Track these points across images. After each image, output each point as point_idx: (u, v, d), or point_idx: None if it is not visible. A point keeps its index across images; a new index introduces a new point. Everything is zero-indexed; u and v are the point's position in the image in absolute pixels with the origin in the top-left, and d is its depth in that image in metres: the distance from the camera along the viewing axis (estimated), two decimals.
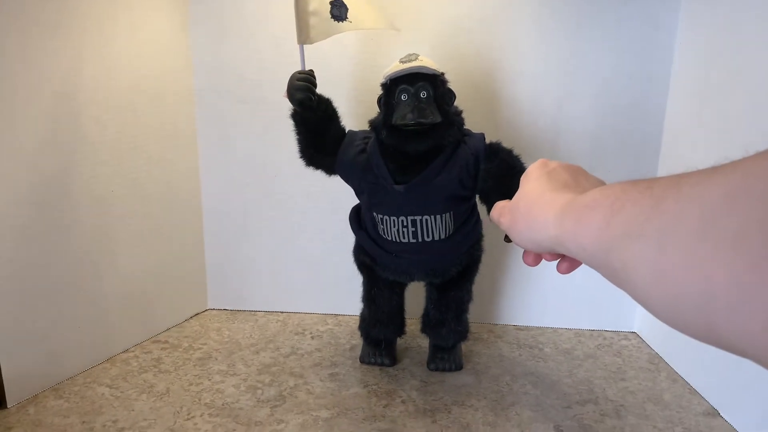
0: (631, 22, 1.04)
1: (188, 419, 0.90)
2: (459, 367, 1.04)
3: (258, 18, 1.08)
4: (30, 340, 0.93)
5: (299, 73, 0.89)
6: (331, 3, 0.91)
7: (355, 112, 1.06)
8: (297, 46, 0.92)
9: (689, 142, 1.02)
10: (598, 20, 1.05)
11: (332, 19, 0.91)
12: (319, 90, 0.91)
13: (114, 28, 0.98)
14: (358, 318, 1.11)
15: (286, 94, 0.88)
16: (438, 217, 0.89)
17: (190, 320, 1.21)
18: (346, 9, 0.92)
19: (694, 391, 0.99)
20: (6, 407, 0.91)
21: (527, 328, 1.19)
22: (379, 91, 0.92)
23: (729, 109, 0.92)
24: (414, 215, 0.88)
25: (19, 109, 0.87)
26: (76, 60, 0.93)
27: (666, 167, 1.08)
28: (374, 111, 0.95)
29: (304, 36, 0.90)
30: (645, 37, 1.05)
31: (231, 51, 1.12)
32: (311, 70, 0.91)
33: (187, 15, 1.10)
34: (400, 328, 1.06)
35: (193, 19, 1.11)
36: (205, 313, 1.24)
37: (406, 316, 1.07)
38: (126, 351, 1.09)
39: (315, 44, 0.91)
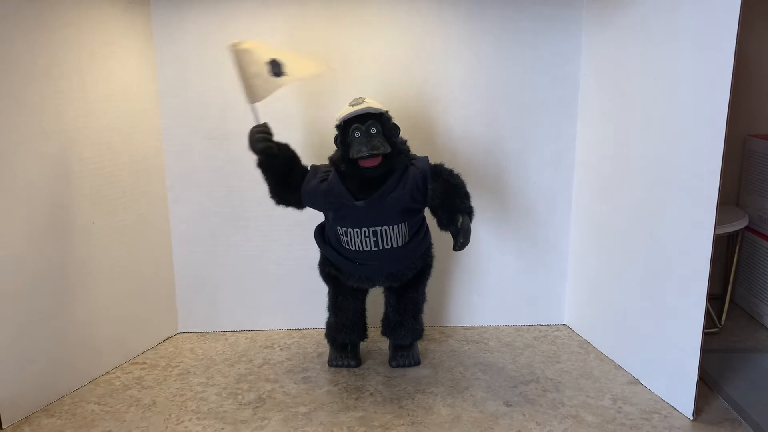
0: (541, 55, 1.23)
1: (178, 424, 0.99)
2: (417, 363, 1.17)
3: (219, 61, 1.20)
4: (21, 364, 1.00)
5: (256, 127, 1.05)
6: (267, 64, 1.05)
7: (309, 152, 1.19)
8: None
9: (597, 155, 1.20)
10: (514, 56, 1.23)
11: (273, 77, 1.05)
12: (276, 137, 1.06)
13: (92, 76, 1.08)
14: (321, 331, 1.23)
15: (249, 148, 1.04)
16: (395, 226, 1.03)
17: (163, 343, 1.28)
18: (282, 65, 1.06)
19: (618, 367, 1.15)
20: (2, 428, 0.97)
21: (473, 328, 1.34)
22: (331, 131, 1.07)
23: (624, 124, 1.11)
24: (374, 226, 1.02)
25: (13, 148, 0.96)
26: (61, 104, 1.03)
27: (581, 177, 1.26)
28: (324, 148, 1.11)
29: (252, 96, 1.05)
30: (554, 69, 1.23)
31: (196, 92, 1.23)
32: (266, 123, 1.06)
33: (155, 62, 1.21)
34: (363, 332, 1.18)
35: (161, 65, 1.22)
36: (176, 336, 1.32)
37: (367, 323, 1.20)
38: (107, 373, 1.16)
39: (267, 100, 1.04)
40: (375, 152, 0.99)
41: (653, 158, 1.04)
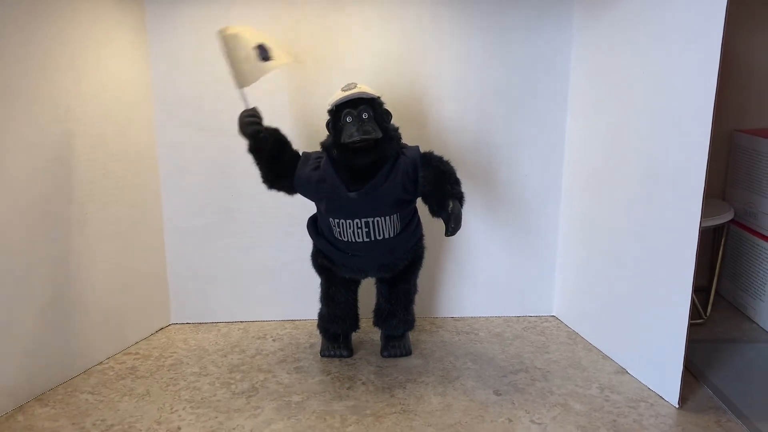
0: (532, 50, 1.24)
1: (172, 413, 1.00)
2: (409, 353, 1.18)
3: (212, 53, 1.20)
4: (13, 354, 1.00)
5: (245, 111, 1.06)
6: (255, 48, 1.06)
7: (302, 142, 1.19)
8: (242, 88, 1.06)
9: (587, 148, 1.22)
10: (505, 50, 1.24)
11: (260, 61, 1.07)
12: (266, 122, 1.08)
13: (85, 67, 1.09)
14: (313, 321, 1.24)
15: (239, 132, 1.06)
16: (387, 218, 1.04)
17: (156, 334, 1.29)
18: (269, 50, 1.08)
19: (606, 356, 1.17)
20: None
21: (463, 319, 1.35)
22: (323, 116, 1.08)
23: (613, 118, 1.13)
24: (366, 217, 1.03)
25: (7, 139, 0.96)
26: (53, 94, 1.03)
27: (570, 169, 1.28)
28: (316, 132, 1.11)
29: (241, 81, 1.07)
30: (545, 62, 1.25)
31: (189, 85, 1.23)
32: (255, 108, 1.07)
33: (148, 54, 1.21)
34: (355, 323, 1.19)
35: (154, 57, 1.22)
36: (169, 327, 1.33)
37: (359, 314, 1.21)
38: (100, 363, 1.16)
39: (255, 86, 1.07)
40: (366, 137, 0.99)
41: (641, 152, 1.05)
